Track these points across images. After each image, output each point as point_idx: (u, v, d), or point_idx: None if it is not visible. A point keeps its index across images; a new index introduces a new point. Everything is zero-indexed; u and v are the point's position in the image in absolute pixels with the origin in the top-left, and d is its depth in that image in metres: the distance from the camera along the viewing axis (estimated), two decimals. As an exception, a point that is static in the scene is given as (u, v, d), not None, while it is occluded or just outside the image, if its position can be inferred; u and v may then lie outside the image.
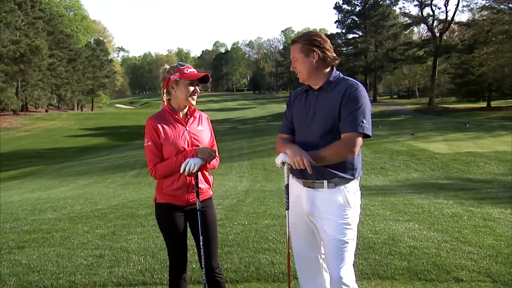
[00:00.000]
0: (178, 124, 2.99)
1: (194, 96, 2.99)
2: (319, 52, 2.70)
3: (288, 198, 2.80)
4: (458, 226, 5.79)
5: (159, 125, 2.94)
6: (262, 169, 17.10)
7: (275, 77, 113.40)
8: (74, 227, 6.52)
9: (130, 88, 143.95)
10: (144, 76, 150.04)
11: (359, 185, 2.83)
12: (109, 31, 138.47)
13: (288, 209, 2.82)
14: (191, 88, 2.95)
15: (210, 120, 3.24)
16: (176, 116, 3.01)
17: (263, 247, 5.00)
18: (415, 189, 10.92)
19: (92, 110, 78.00)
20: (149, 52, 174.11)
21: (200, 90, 3.05)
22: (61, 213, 7.98)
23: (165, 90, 3.04)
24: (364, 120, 2.61)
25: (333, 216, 2.69)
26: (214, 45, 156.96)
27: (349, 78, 2.77)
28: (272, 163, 17.91)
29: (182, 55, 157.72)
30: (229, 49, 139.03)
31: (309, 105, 2.79)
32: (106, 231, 6.13)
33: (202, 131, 3.07)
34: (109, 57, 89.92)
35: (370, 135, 2.65)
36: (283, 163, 2.72)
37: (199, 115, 3.13)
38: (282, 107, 56.70)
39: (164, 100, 3.06)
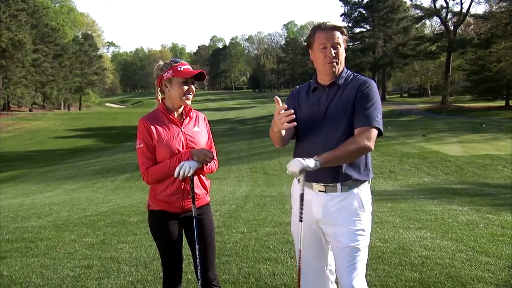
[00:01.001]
0: (173, 125, 2.99)
1: (189, 95, 2.97)
2: (345, 46, 2.78)
3: (302, 209, 2.71)
4: (474, 235, 5.78)
5: (152, 126, 2.94)
6: (262, 173, 17.11)
7: (277, 74, 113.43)
8: (60, 235, 6.52)
9: (121, 86, 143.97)
10: (136, 73, 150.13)
11: (370, 188, 2.84)
12: (98, 24, 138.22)
13: (302, 221, 2.71)
14: (185, 87, 2.95)
15: (208, 121, 3.24)
16: (171, 116, 3.00)
17: (264, 257, 5.00)
18: (427, 194, 10.92)
19: (80, 109, 78.04)
20: (141, 47, 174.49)
21: (196, 88, 3.04)
22: (46, 221, 7.98)
23: (158, 88, 3.04)
24: (378, 115, 2.66)
25: (346, 222, 2.69)
26: (211, 40, 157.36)
27: (360, 75, 2.82)
28: (273, 166, 17.94)
29: (177, 51, 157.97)
30: (227, 45, 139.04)
31: (319, 102, 2.79)
32: (95, 240, 6.12)
33: (199, 132, 3.06)
34: (98, 53, 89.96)
35: (382, 132, 2.69)
36: (300, 171, 2.52)
37: (196, 115, 3.12)
38: (284, 107, 56.51)
39: (159, 99, 3.06)
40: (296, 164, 2.51)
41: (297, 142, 2.92)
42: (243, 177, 16.71)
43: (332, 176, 2.69)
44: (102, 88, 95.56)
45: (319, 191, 2.75)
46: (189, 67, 2.99)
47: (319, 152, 2.63)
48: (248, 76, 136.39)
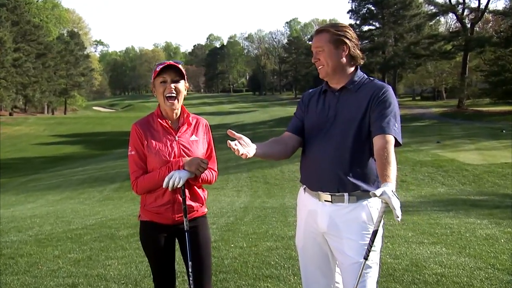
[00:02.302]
0: (166, 133, 2.99)
1: (170, 96, 2.92)
2: (350, 46, 2.77)
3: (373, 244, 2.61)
4: (494, 251, 5.77)
5: (144, 132, 2.95)
6: (263, 182, 17.10)
7: (278, 76, 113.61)
8: (42, 251, 6.50)
9: (110, 88, 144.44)
10: (127, 74, 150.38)
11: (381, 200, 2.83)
12: (85, 21, 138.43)
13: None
14: (163, 86, 2.93)
15: (210, 127, 3.23)
16: (164, 123, 2.99)
17: (265, 274, 4.98)
18: (442, 206, 10.91)
19: (65, 113, 78.08)
20: (132, 46, 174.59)
21: (192, 91, 3.03)
22: (27, 235, 7.96)
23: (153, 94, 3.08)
24: (396, 124, 2.67)
25: (355, 235, 2.69)
26: (207, 38, 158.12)
27: (375, 79, 2.83)
28: (275, 175, 17.95)
29: (170, 50, 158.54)
30: (225, 44, 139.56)
31: (329, 107, 2.82)
32: (81, 256, 6.11)
33: (196, 141, 3.04)
34: (85, 52, 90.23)
35: (401, 143, 2.69)
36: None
37: (196, 122, 3.11)
38: (286, 111, 56.80)
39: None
40: (397, 202, 2.38)
41: (304, 149, 2.93)
42: (242, 186, 16.70)
43: (339, 186, 2.70)
44: (89, 91, 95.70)
45: (325, 201, 2.76)
46: (170, 62, 2.98)
47: (328, 161, 2.67)
48: (247, 78, 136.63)
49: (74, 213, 11.45)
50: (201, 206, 3.10)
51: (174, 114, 3.02)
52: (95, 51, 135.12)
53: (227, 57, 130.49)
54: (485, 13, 57.35)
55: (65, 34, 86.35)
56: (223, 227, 7.91)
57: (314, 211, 2.81)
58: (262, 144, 2.72)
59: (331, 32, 2.75)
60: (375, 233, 2.50)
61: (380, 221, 2.49)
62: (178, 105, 2.97)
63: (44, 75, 66.26)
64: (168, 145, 2.95)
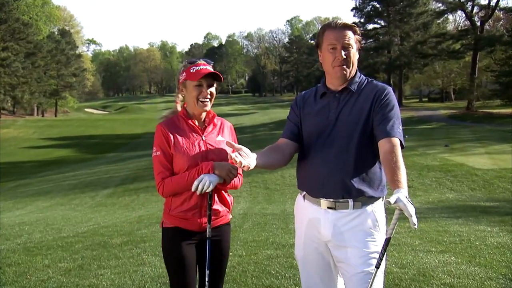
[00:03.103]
0: (193, 133, 3.03)
1: (204, 100, 2.98)
2: (359, 48, 2.79)
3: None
4: (506, 260, 5.76)
5: (170, 133, 2.98)
6: (263, 188, 17.09)
7: (279, 76, 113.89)
8: (31, 260, 6.49)
9: (102, 89, 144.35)
10: (120, 74, 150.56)
11: (385, 206, 2.83)
12: (77, 19, 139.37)
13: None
14: (199, 90, 2.97)
15: (234, 129, 3.28)
16: (191, 123, 3.04)
17: (265, 284, 4.99)
18: (451, 213, 10.90)
19: (55, 115, 78.14)
20: (126, 45, 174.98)
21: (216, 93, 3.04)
22: (16, 243, 7.95)
23: (179, 93, 3.11)
24: (400, 127, 2.69)
25: (359, 243, 2.69)
26: (205, 37, 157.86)
27: (374, 80, 2.84)
28: (275, 181, 17.94)
29: (166, 50, 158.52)
30: (223, 43, 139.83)
31: (329, 109, 2.81)
32: (72, 265, 6.10)
33: (222, 142, 3.08)
34: (77, 51, 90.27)
35: (404, 145, 2.69)
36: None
37: (221, 123, 3.17)
38: (287, 113, 55.46)
39: (178, 102, 3.13)
40: (412, 209, 2.35)
41: (301, 156, 2.92)
42: (241, 192, 16.68)
43: (344, 192, 2.70)
44: (81, 92, 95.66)
45: (328, 207, 2.75)
46: (207, 67, 3.03)
47: (331, 166, 2.67)
48: (246, 79, 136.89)
49: (65, 220, 11.45)
50: (228, 212, 3.14)
51: (201, 115, 3.06)
52: (88, 50, 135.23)
53: (226, 57, 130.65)
54: (496, 11, 57.35)
55: (56, 33, 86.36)
56: (221, 235, 7.89)
57: (316, 219, 2.80)
58: (260, 153, 2.69)
59: (357, 32, 2.76)
60: (387, 241, 2.48)
61: (393, 229, 2.46)
62: (209, 106, 3.03)
63: (33, 76, 66.21)
64: (195, 144, 2.99)
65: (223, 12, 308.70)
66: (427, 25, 63.69)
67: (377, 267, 2.52)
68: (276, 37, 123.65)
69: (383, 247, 2.49)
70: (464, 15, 62.00)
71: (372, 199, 2.72)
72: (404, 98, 71.10)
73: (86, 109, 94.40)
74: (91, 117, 77.12)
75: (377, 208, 2.74)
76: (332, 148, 2.73)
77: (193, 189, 2.83)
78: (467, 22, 61.70)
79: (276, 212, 11.29)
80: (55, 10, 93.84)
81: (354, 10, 68.87)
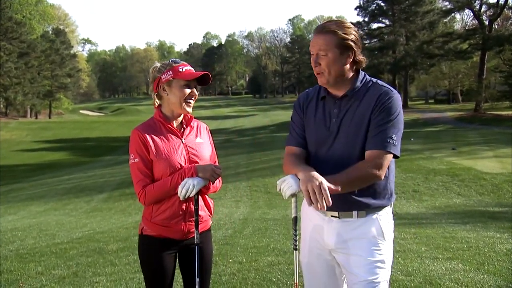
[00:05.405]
0: (172, 136, 3.00)
1: (190, 101, 2.98)
2: (356, 52, 2.66)
3: (296, 235, 2.74)
4: (515, 267, 5.75)
5: (148, 137, 2.93)
6: (263, 192, 17.09)
7: (281, 77, 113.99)
8: (24, 267, 6.48)
9: (98, 90, 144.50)
10: (117, 75, 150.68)
11: (392, 212, 2.83)
12: (72, 18, 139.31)
13: (296, 249, 2.76)
14: (187, 91, 2.95)
15: (210, 131, 3.27)
16: (169, 126, 3.01)
17: (266, 293, 4.96)
18: (458, 218, 10.89)
19: (49, 117, 78.21)
20: (123, 45, 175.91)
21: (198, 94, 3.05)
22: (8, 249, 7.95)
23: (155, 93, 3.05)
24: (394, 136, 2.59)
25: (364, 252, 2.68)
26: (204, 37, 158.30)
27: (380, 82, 2.75)
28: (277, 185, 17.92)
29: (164, 49, 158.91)
30: (223, 43, 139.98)
31: (330, 117, 2.75)
32: (66, 272, 6.09)
33: (202, 144, 3.08)
34: (72, 51, 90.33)
35: (398, 155, 2.64)
36: (293, 195, 2.59)
37: (197, 125, 3.15)
38: (288, 115, 56.09)
39: (156, 105, 3.09)
40: (285, 183, 2.55)
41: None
42: (241, 196, 16.68)
43: (347, 206, 2.68)
44: (76, 93, 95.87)
45: (332, 216, 2.74)
46: (191, 68, 3.02)
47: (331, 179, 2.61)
48: (247, 79, 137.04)
49: (59, 226, 11.44)
50: (209, 216, 3.15)
51: (179, 117, 3.06)
52: (83, 50, 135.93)
53: (225, 57, 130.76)
54: (505, 9, 57.34)
55: (50, 32, 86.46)
56: (221, 241, 7.90)
57: (319, 226, 2.80)
58: (307, 167, 2.61)
59: (339, 35, 2.59)
60: (294, 220, 2.66)
61: (293, 208, 2.62)
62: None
63: (27, 76, 66.27)
64: (176, 148, 2.96)
65: (223, 11, 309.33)
66: (434, 24, 63.68)
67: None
68: (277, 36, 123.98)
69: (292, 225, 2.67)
70: (471, 13, 62.12)
71: (378, 208, 2.71)
72: (409, 99, 71.15)
73: (81, 111, 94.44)
74: (86, 119, 77.12)
75: (383, 216, 2.72)
76: (333, 160, 2.68)
77: (178, 193, 2.82)
78: (475, 21, 61.71)
79: (278, 217, 11.28)
80: (49, 9, 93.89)
81: (358, 9, 68.89)
